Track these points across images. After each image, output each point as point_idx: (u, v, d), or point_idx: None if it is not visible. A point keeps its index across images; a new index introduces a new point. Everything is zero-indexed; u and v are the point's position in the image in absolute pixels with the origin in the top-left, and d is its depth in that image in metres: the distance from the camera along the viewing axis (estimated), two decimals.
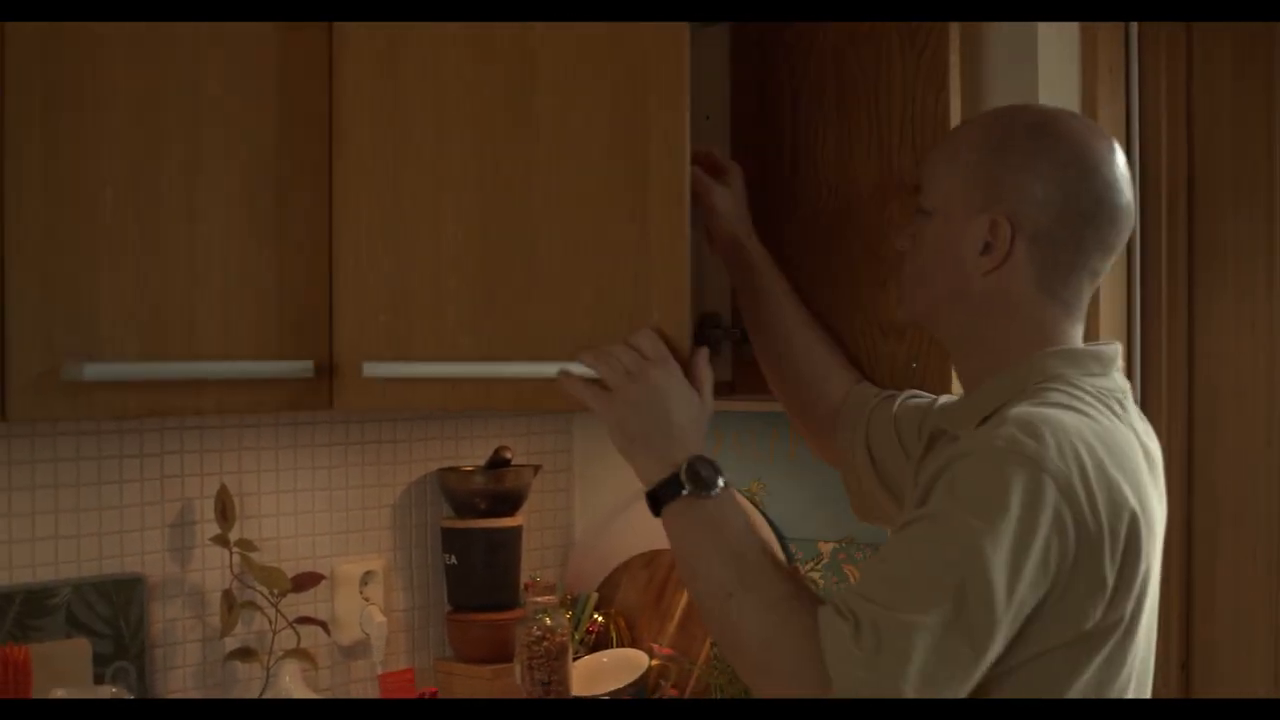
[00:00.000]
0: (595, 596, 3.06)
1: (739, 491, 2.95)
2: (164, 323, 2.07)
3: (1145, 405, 2.77)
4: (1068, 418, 1.78)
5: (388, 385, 2.27)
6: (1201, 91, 2.72)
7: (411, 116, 2.25)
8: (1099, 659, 1.77)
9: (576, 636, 2.95)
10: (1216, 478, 2.74)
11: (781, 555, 1.89)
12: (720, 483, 1.91)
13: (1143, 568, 1.78)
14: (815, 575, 2.89)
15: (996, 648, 1.70)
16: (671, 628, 2.97)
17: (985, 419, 1.83)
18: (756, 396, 2.88)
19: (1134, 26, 2.73)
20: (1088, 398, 1.84)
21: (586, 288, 2.17)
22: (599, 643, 3.00)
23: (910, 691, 1.65)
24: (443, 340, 2.25)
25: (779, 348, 2.34)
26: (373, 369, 2.24)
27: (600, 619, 3.02)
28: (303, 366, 2.20)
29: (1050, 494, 1.69)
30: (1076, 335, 1.94)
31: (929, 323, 2.01)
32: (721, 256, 2.35)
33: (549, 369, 2.12)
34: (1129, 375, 2.78)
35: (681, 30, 2.12)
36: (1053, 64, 2.57)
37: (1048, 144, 1.89)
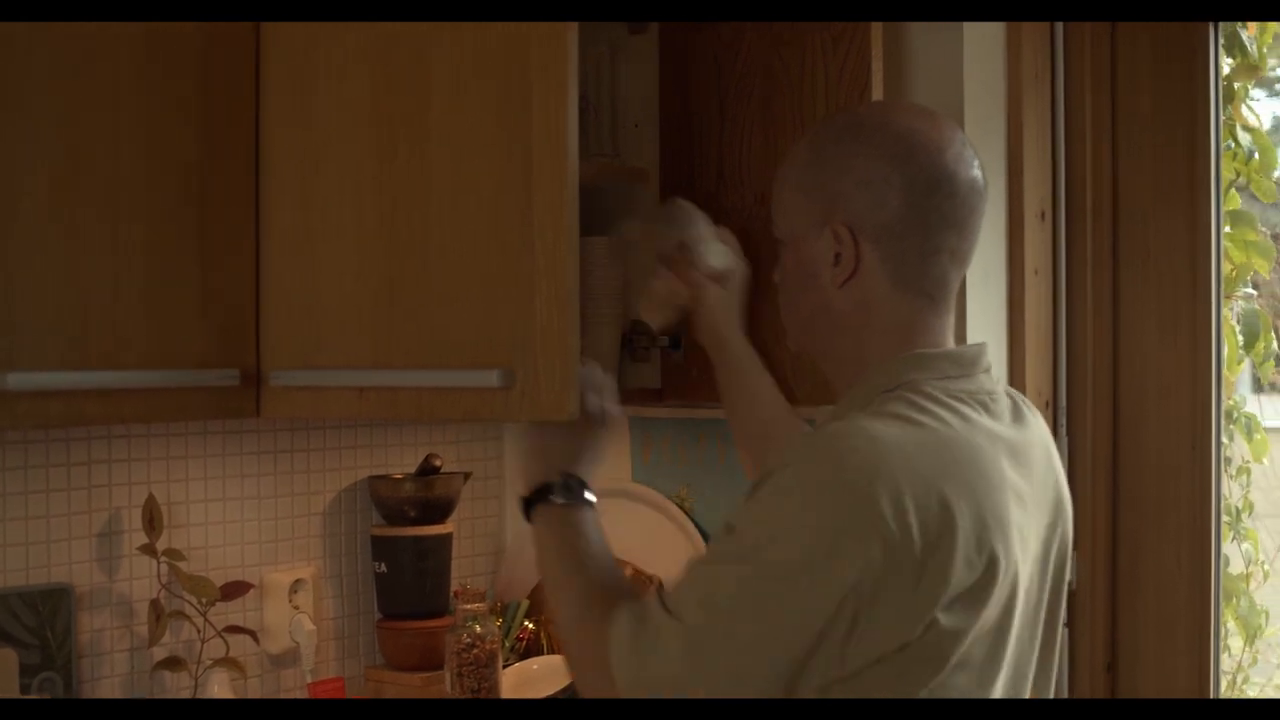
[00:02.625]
0: (526, 604, 3.06)
1: (669, 498, 2.98)
2: (87, 332, 2.06)
3: (1070, 409, 2.80)
4: (888, 431, 1.74)
5: (306, 393, 2.28)
6: (1125, 93, 2.75)
7: (323, 124, 2.27)
8: (953, 681, 1.74)
9: (507, 644, 2.95)
10: (1141, 480, 2.77)
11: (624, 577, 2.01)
12: (587, 496, 2.04)
13: (999, 585, 1.75)
14: None
15: (789, 645, 1.70)
16: None
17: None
18: (685, 403, 2.90)
19: (1059, 27, 2.75)
20: (931, 405, 1.79)
21: (477, 294, 2.18)
22: (530, 650, 3.00)
23: (682, 674, 1.72)
24: (352, 349, 2.29)
25: (755, 431, 2.40)
26: (282, 378, 2.27)
27: (531, 626, 3.02)
28: (228, 374, 2.19)
29: (845, 505, 1.68)
30: (943, 329, 1.91)
31: (808, 349, 1.99)
32: (704, 346, 2.43)
33: (450, 377, 2.20)
34: (1054, 379, 2.82)
35: (566, 30, 2.09)
36: (978, 64, 2.60)
37: (863, 140, 1.87)
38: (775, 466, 1.75)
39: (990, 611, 1.75)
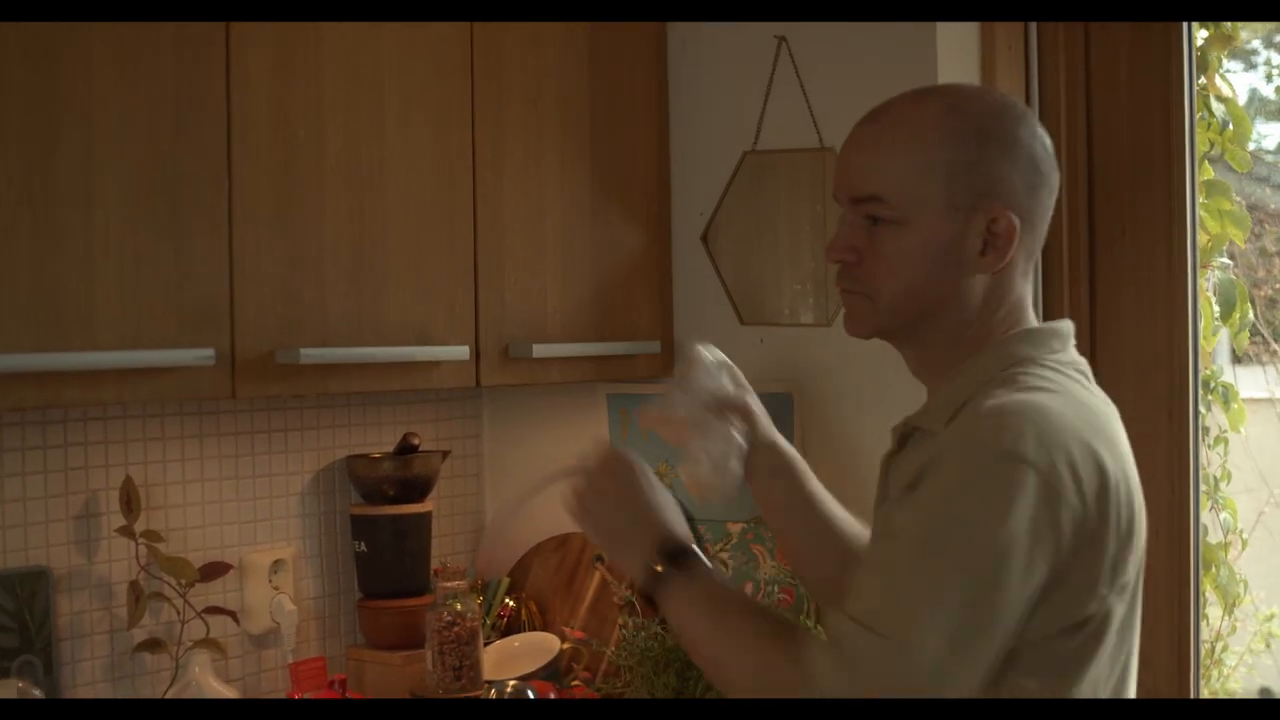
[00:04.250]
0: (507, 581, 3.06)
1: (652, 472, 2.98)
2: (60, 314, 2.06)
3: None
4: (1044, 400, 1.75)
5: (287, 372, 2.29)
6: (1099, 64, 2.76)
7: (297, 115, 2.34)
8: (1108, 644, 1.76)
9: (488, 621, 2.96)
10: None
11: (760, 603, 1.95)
12: (695, 551, 1.89)
13: (1137, 541, 1.79)
14: (724, 556, 2.91)
15: (997, 645, 1.67)
16: (583, 611, 2.98)
17: (956, 412, 1.79)
18: (662, 379, 2.90)
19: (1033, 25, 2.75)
20: (1057, 376, 1.81)
21: (425, 278, 2.46)
22: (511, 627, 3.01)
23: (905, 689, 1.64)
24: (325, 329, 2.37)
25: (819, 528, 2.18)
26: (281, 356, 2.29)
27: (511, 603, 3.03)
28: (203, 355, 2.19)
29: (1033, 486, 1.66)
30: (1031, 304, 1.92)
31: (891, 330, 1.90)
32: (757, 461, 2.18)
33: (418, 352, 2.45)
34: None
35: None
36: (950, 31, 2.60)
37: (1010, 124, 1.84)
38: (938, 458, 1.71)
39: (1131, 571, 1.78)
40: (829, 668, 1.66)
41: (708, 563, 1.88)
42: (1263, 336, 3.25)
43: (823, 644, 1.69)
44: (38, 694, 2.36)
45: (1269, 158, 3.18)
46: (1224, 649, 3.50)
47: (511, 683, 2.29)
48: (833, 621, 1.70)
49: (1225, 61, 2.98)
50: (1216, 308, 3.13)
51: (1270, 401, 3.21)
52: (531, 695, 2.25)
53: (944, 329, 1.86)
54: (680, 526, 1.94)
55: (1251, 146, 3.04)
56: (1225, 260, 3.09)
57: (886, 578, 1.69)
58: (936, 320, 1.86)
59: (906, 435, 1.89)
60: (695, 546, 1.89)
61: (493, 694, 2.25)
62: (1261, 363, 3.28)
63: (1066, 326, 1.92)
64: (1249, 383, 3.20)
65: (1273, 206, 3.22)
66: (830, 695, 1.65)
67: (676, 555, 1.87)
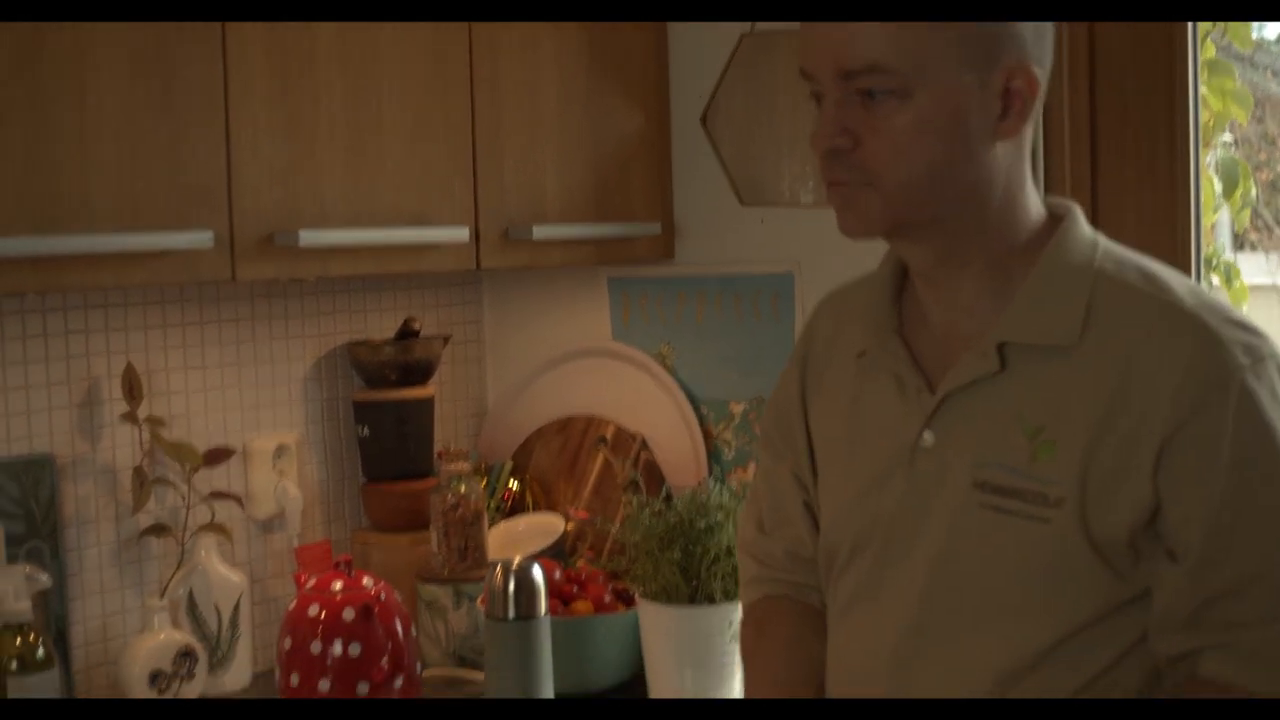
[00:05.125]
0: (510, 464, 3.07)
1: (651, 356, 2.98)
2: (57, 197, 2.05)
3: None
4: (1188, 281, 1.64)
5: (287, 255, 2.29)
6: None
7: None
8: None
9: (492, 504, 2.97)
10: None
11: None
12: None
13: None
14: (728, 436, 2.92)
15: None
16: (586, 491, 2.99)
17: (1087, 317, 1.60)
18: (663, 262, 2.90)
19: None
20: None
21: (423, 160, 2.47)
22: (515, 509, 3.03)
23: None
24: (323, 211, 2.36)
25: None
26: (280, 239, 2.29)
27: (515, 486, 3.04)
28: (202, 238, 2.18)
29: None
30: None
31: (909, 228, 1.65)
32: None
33: (418, 234, 2.47)
34: None
35: None
36: None
37: None
38: (1200, 402, 1.54)
39: None
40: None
41: None
42: (1264, 220, 3.24)
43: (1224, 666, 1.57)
44: (45, 579, 2.37)
45: (1273, 48, 3.15)
46: None
47: (518, 559, 2.30)
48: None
49: None
50: (1219, 184, 3.12)
51: (1272, 288, 3.20)
52: (538, 571, 2.27)
53: (968, 215, 1.63)
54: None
55: (1254, 36, 3.02)
56: (1227, 139, 3.07)
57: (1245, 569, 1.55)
58: (958, 205, 1.62)
59: (1010, 351, 1.63)
60: None
61: (499, 572, 2.26)
62: (1264, 249, 3.27)
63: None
64: (1250, 269, 3.19)
65: (1275, 90, 3.20)
66: None
67: None
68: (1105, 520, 1.58)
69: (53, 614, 2.50)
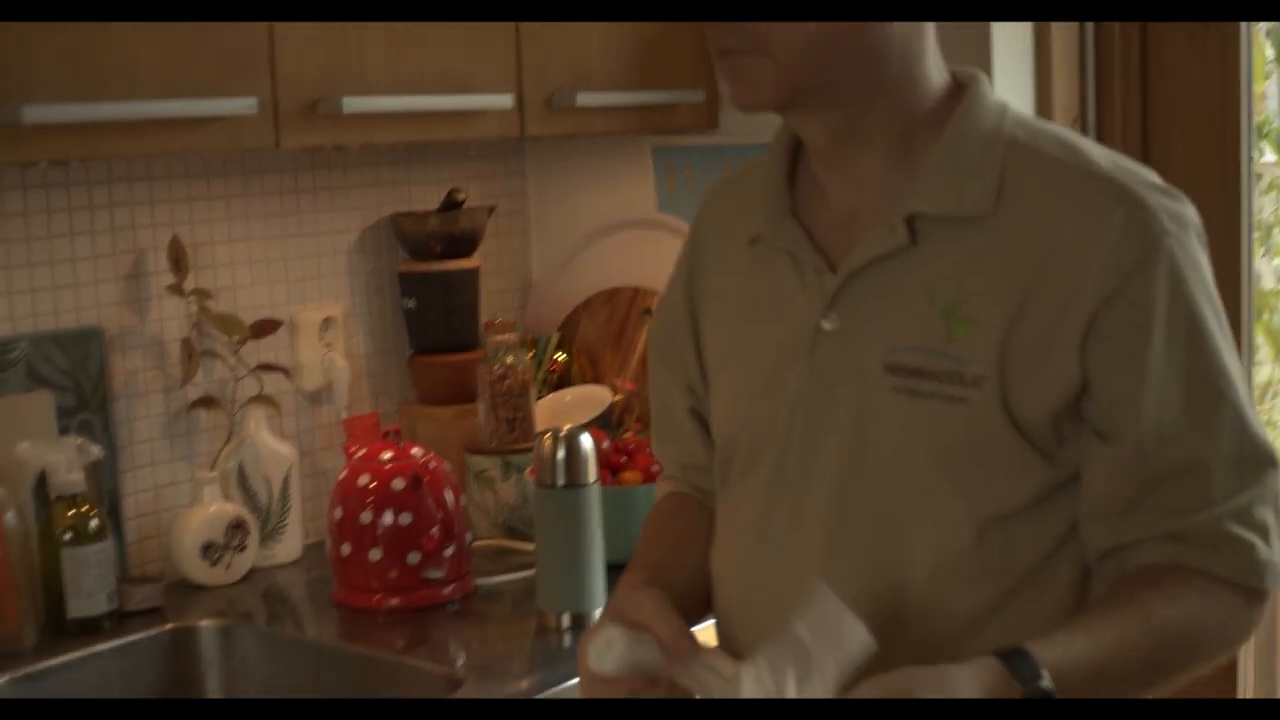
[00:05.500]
0: (556, 336, 3.07)
1: None
2: (100, 64, 2.03)
3: (1099, 124, 2.77)
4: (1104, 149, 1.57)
5: (331, 122, 2.27)
6: None
7: None
8: None
9: (539, 376, 2.97)
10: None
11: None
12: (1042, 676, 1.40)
13: None
14: None
15: None
16: (633, 362, 2.98)
17: (1000, 186, 1.52)
18: (707, 131, 2.88)
19: None
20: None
21: (466, 26, 2.43)
22: (561, 381, 3.02)
23: None
24: (366, 78, 2.33)
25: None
26: (324, 107, 2.27)
27: (562, 358, 3.03)
28: (246, 104, 2.17)
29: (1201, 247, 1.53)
30: None
31: (806, 97, 1.53)
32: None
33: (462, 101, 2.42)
34: (1081, 95, 2.78)
35: None
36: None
37: None
38: (1139, 261, 1.47)
39: None
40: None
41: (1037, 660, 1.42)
42: None
43: (1232, 598, 1.51)
44: (96, 451, 2.38)
45: None
46: (1274, 395, 3.50)
47: (567, 427, 2.29)
48: (1215, 533, 1.50)
49: None
50: (1270, 50, 3.08)
51: None
52: (588, 439, 2.26)
53: (865, 82, 1.52)
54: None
55: None
56: None
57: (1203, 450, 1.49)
58: (854, 71, 1.51)
59: (918, 223, 1.54)
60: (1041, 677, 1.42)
61: (548, 439, 2.25)
62: None
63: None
64: None
65: None
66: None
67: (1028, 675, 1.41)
68: (1028, 399, 1.49)
69: (104, 487, 2.51)
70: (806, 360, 1.58)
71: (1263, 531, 1.51)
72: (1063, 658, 1.42)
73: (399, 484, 2.42)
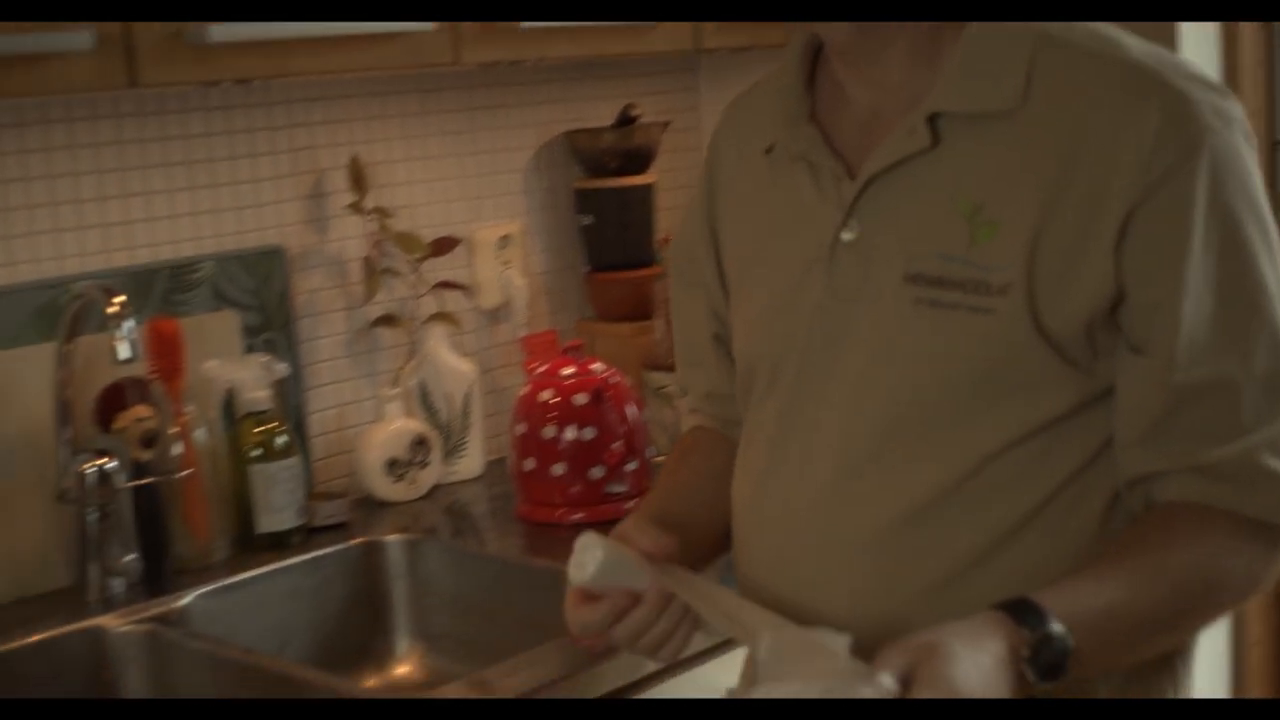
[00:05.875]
0: None
1: None
2: None
3: None
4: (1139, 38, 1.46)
5: (508, 37, 2.27)
6: None
7: None
8: None
9: None
10: None
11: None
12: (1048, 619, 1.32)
13: None
14: None
15: None
16: None
17: (1030, 75, 1.42)
18: None
19: None
20: None
21: None
22: None
23: None
24: None
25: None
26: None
27: None
28: (424, 23, 2.17)
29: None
30: None
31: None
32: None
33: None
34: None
35: None
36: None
37: None
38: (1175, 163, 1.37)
39: None
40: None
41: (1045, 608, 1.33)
42: None
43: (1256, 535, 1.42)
44: (282, 368, 2.41)
45: None
46: None
47: None
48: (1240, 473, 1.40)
49: None
50: None
51: None
52: None
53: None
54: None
55: None
56: None
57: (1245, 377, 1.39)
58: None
59: (937, 126, 1.45)
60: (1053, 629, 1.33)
61: None
62: None
63: None
64: None
65: None
66: None
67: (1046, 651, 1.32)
68: (1059, 308, 1.39)
69: (290, 404, 2.54)
70: (825, 273, 1.50)
71: None
72: (1071, 604, 1.33)
73: (581, 399, 2.42)
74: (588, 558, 1.42)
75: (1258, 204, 1.41)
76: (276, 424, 2.38)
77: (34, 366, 2.22)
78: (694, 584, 1.47)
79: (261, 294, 2.50)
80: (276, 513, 2.37)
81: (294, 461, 2.39)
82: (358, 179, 2.55)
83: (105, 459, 2.19)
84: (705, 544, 1.64)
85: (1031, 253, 1.39)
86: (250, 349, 2.48)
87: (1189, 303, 1.38)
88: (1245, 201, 1.40)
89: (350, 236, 2.62)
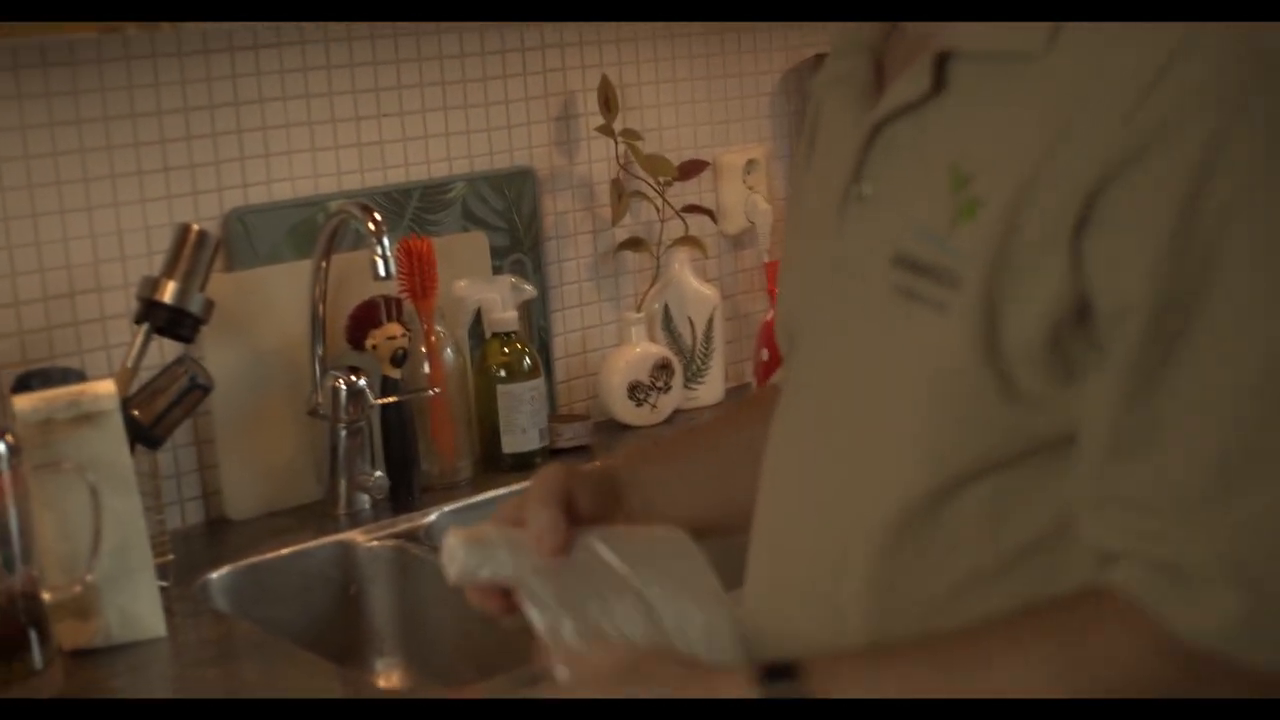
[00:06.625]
0: None
1: None
2: None
3: None
4: None
5: None
6: None
7: None
8: None
9: None
10: None
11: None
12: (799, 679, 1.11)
13: None
14: None
15: None
16: None
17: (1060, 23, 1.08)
18: None
19: None
20: None
21: None
22: None
23: None
24: None
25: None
26: None
27: None
28: None
29: None
30: None
31: None
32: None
33: None
34: None
35: None
36: None
37: None
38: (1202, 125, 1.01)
39: None
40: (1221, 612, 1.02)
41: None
42: None
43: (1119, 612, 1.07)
44: (529, 289, 2.42)
45: None
46: None
47: None
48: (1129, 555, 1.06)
49: None
50: None
51: None
52: None
53: None
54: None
55: None
56: None
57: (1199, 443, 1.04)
58: None
59: (946, 68, 1.14)
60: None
61: None
62: None
63: None
64: None
65: None
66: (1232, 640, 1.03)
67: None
68: (1016, 309, 1.07)
69: (536, 326, 2.55)
70: (835, 236, 1.23)
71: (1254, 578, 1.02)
72: (834, 672, 1.12)
73: None
74: (447, 558, 1.27)
75: None
76: (522, 345, 2.39)
77: (290, 283, 2.26)
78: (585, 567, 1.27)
79: (511, 215, 2.51)
80: (520, 433, 2.39)
81: (538, 383, 2.40)
82: (608, 101, 2.54)
83: (356, 376, 2.22)
84: (695, 499, 1.42)
85: (1001, 239, 1.07)
86: (498, 270, 2.49)
87: (1162, 309, 1.03)
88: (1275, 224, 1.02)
89: (598, 159, 2.61)
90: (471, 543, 1.26)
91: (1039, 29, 1.07)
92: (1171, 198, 1.01)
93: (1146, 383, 1.03)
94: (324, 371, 2.24)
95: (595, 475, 1.36)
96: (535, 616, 1.21)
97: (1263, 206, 1.01)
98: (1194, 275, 1.01)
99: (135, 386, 2.04)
